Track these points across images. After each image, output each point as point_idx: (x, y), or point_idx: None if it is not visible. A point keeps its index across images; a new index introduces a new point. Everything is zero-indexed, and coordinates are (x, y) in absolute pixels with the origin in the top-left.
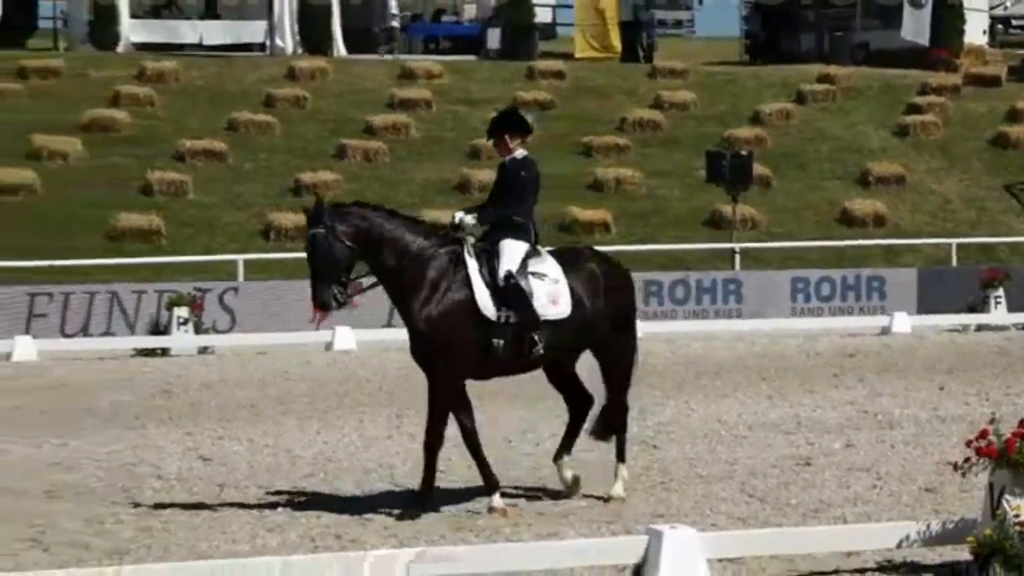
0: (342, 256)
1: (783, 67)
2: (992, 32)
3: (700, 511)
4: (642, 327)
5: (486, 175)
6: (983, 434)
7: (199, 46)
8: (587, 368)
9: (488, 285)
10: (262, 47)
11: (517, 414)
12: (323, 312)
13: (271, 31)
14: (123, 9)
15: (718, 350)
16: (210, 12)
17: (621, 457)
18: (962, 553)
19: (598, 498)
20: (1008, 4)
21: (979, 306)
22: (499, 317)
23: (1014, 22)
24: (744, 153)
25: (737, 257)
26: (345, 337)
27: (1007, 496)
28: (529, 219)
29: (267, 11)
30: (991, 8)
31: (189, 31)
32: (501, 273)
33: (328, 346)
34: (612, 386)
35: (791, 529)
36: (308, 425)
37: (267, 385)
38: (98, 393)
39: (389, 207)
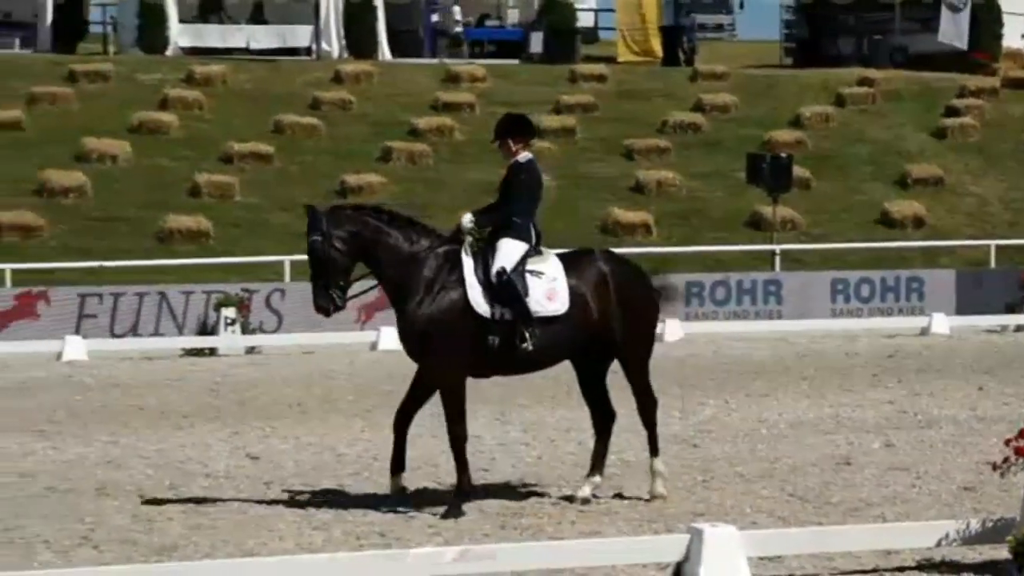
0: (339, 261)
1: (823, 70)
2: None
3: (741, 509)
4: (683, 327)
5: None
6: (1022, 434)
7: (246, 50)
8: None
9: (482, 283)
10: (308, 51)
11: (559, 413)
12: (324, 315)
13: (317, 35)
14: (172, 13)
15: (759, 350)
16: (257, 16)
17: (654, 451)
18: (1001, 552)
19: (639, 497)
20: None
21: (1017, 307)
22: (493, 314)
23: None
24: (784, 156)
25: (777, 258)
26: (390, 337)
27: None
28: (529, 220)
29: (313, 15)
30: None
31: (237, 35)
32: (494, 270)
33: (373, 346)
34: (633, 383)
35: (831, 528)
36: (353, 424)
37: (313, 384)
38: (147, 392)
39: (394, 208)
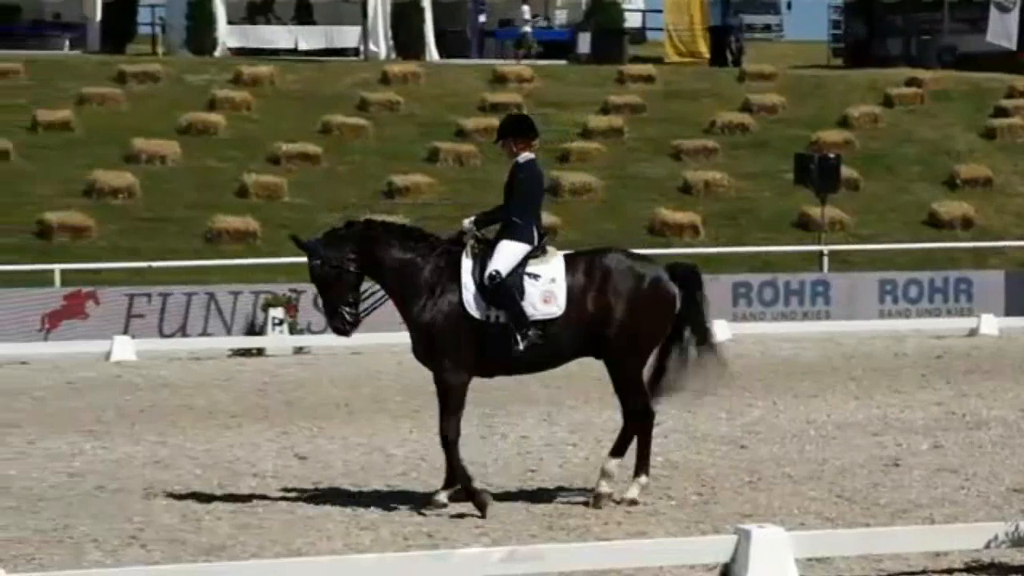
0: (344, 280)
1: (871, 70)
2: None
3: (788, 510)
4: (731, 328)
5: (577, 178)
6: None
7: (294, 51)
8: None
9: (478, 285)
10: (356, 52)
11: (607, 414)
12: (343, 336)
13: (365, 36)
14: (220, 14)
15: (806, 351)
16: (305, 17)
17: (639, 469)
18: None
19: (687, 498)
20: None
21: None
22: (487, 316)
23: None
24: (832, 156)
25: (825, 259)
26: None
27: None
28: (530, 220)
29: (361, 16)
30: None
31: (284, 36)
32: (487, 273)
33: None
34: (619, 383)
35: (879, 529)
36: (401, 424)
37: (361, 385)
38: (195, 392)
39: (386, 220)
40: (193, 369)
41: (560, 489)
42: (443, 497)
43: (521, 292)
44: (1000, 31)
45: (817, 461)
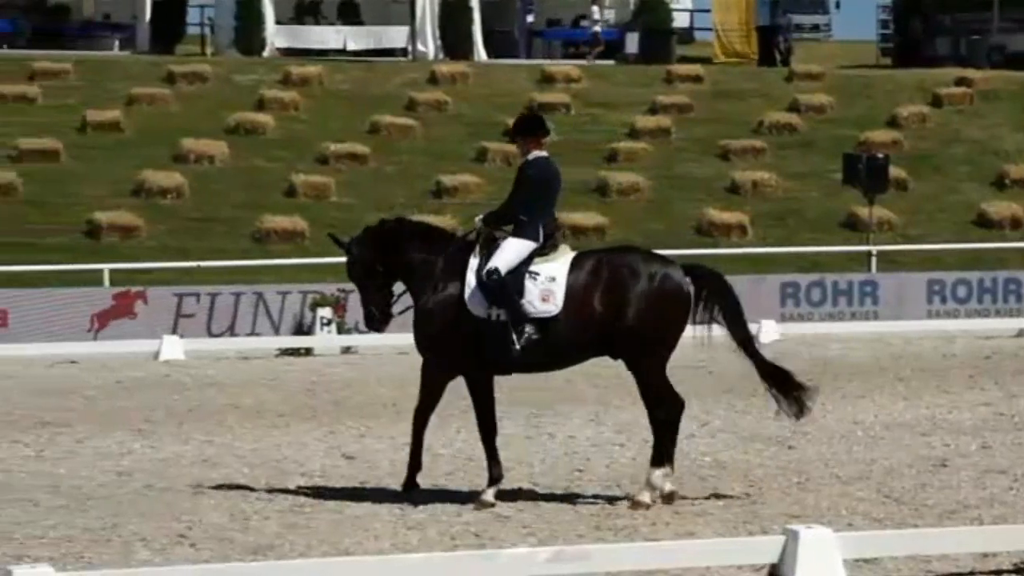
0: (373, 280)
1: (919, 70)
2: None
3: (836, 511)
4: (779, 329)
5: (625, 177)
6: None
7: (342, 51)
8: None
9: (479, 282)
10: (404, 52)
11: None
12: (374, 331)
13: (413, 36)
14: (268, 15)
15: (855, 351)
16: (353, 18)
17: (656, 461)
18: None
19: (734, 498)
20: None
21: None
22: (489, 315)
23: None
24: (881, 156)
25: (873, 259)
26: None
27: None
28: (536, 218)
29: (409, 16)
30: None
31: (333, 36)
32: (485, 270)
33: None
34: (641, 385)
35: (927, 530)
36: (448, 424)
37: (408, 384)
38: (243, 392)
39: (412, 219)
40: (241, 368)
41: (607, 489)
42: (490, 496)
43: (521, 290)
44: None
45: (865, 461)
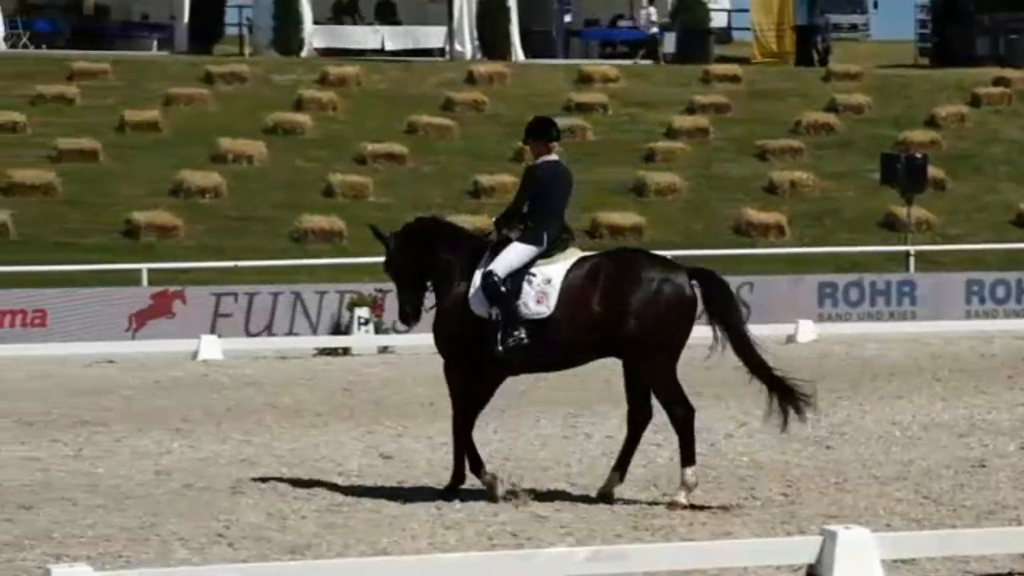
0: (406, 275)
1: (957, 70)
2: None
3: (874, 512)
4: (816, 329)
5: (663, 177)
6: None
7: (380, 51)
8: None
9: (480, 284)
10: (441, 52)
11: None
12: (405, 325)
13: (451, 36)
14: (307, 15)
15: (892, 351)
16: (391, 18)
17: (686, 460)
18: None
19: (772, 498)
20: None
21: None
22: (490, 315)
23: None
24: (919, 156)
25: (911, 259)
26: None
27: None
28: (541, 223)
29: (447, 16)
30: None
31: (370, 36)
32: (482, 271)
33: None
34: (650, 387)
35: (965, 531)
36: (485, 424)
37: (445, 384)
38: (281, 391)
39: (448, 220)
40: (279, 368)
41: (645, 489)
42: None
43: (518, 292)
44: None
45: (903, 462)
